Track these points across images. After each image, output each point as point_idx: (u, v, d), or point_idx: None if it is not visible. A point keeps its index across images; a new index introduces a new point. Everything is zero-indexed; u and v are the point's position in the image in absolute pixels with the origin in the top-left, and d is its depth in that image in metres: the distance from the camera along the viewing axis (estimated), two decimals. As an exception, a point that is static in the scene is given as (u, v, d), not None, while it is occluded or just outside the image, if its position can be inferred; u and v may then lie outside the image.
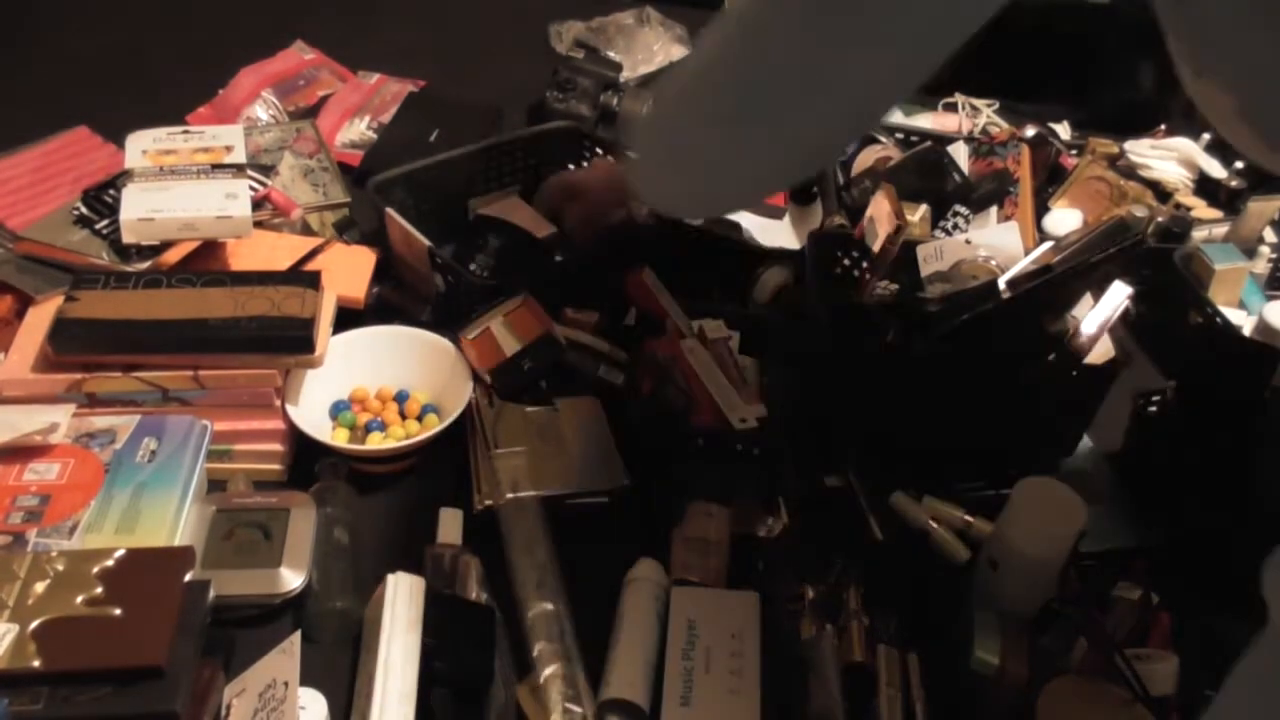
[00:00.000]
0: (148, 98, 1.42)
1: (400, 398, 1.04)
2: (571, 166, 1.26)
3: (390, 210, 1.11)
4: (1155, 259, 1.16)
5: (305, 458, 0.98)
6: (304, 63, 1.52)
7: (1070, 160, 1.35)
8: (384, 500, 0.98)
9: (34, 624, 0.73)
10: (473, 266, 1.13)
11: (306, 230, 1.18)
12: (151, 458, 0.90)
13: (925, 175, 1.20)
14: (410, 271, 1.13)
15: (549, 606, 0.86)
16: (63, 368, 0.94)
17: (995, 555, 0.89)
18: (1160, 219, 1.25)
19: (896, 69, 0.62)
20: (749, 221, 1.24)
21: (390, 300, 1.14)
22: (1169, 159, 1.34)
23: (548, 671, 0.81)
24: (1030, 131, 1.33)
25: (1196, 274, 1.14)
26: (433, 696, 0.80)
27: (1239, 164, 1.32)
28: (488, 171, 1.23)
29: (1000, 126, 1.45)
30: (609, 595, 0.89)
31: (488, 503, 0.94)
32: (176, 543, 0.85)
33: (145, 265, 1.03)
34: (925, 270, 1.08)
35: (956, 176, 1.20)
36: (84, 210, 1.07)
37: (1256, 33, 0.49)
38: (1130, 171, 1.34)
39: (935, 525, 0.97)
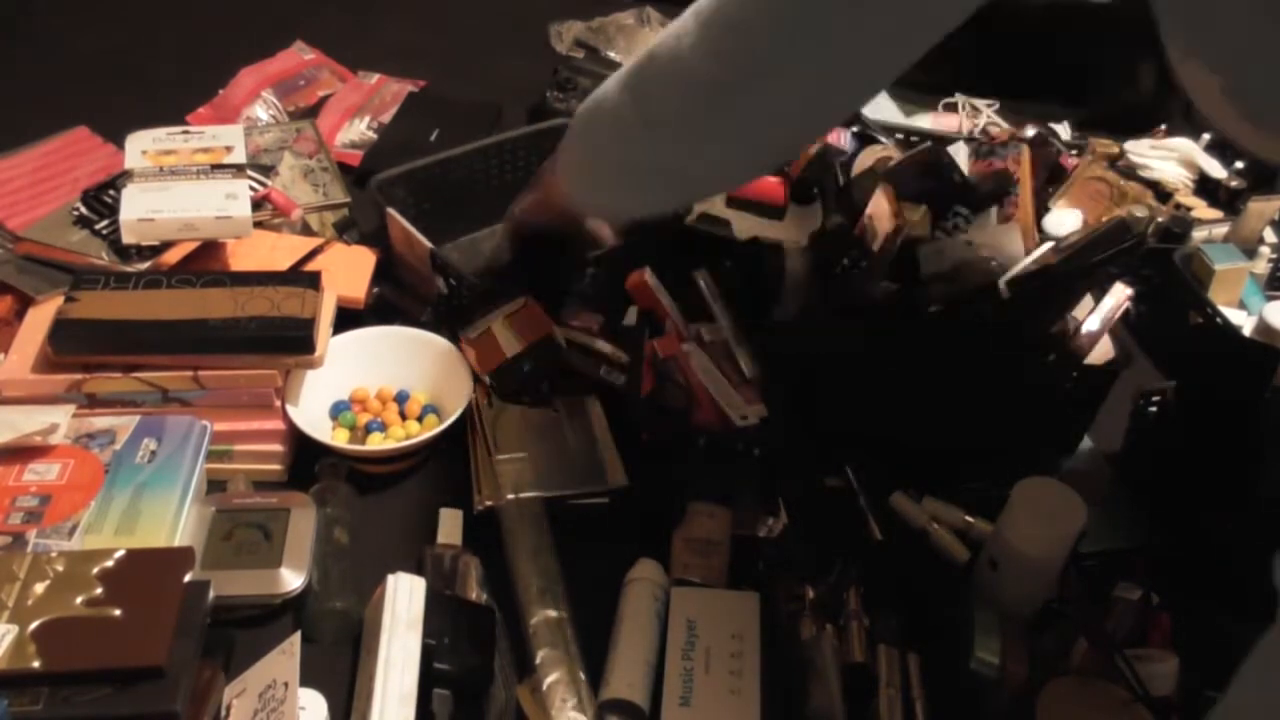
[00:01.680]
0: (148, 98, 1.42)
1: (400, 398, 1.04)
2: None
3: (391, 210, 1.11)
4: (1155, 259, 1.16)
5: (305, 458, 0.98)
6: (304, 63, 1.52)
7: (1070, 160, 1.35)
8: (384, 500, 0.98)
9: (34, 624, 0.73)
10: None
11: (306, 230, 1.18)
12: (151, 458, 0.90)
13: (925, 175, 1.19)
14: (411, 272, 1.13)
15: (552, 613, 0.86)
16: (63, 368, 0.94)
17: (995, 555, 0.90)
18: (1160, 219, 1.25)
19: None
20: (748, 223, 1.24)
21: (390, 300, 1.14)
22: (1169, 159, 1.34)
23: (550, 678, 0.81)
24: (1030, 131, 1.33)
25: (1196, 274, 1.14)
26: (433, 696, 0.80)
27: (1239, 164, 1.32)
28: (489, 170, 1.23)
29: (1000, 126, 1.44)
30: (609, 595, 0.90)
31: (488, 503, 0.94)
32: (176, 543, 0.85)
33: (145, 265, 1.03)
34: (925, 270, 1.08)
35: (956, 176, 1.20)
36: (84, 210, 1.07)
37: (1242, 13, 0.50)
38: (1130, 171, 1.34)
39: (935, 525, 0.97)
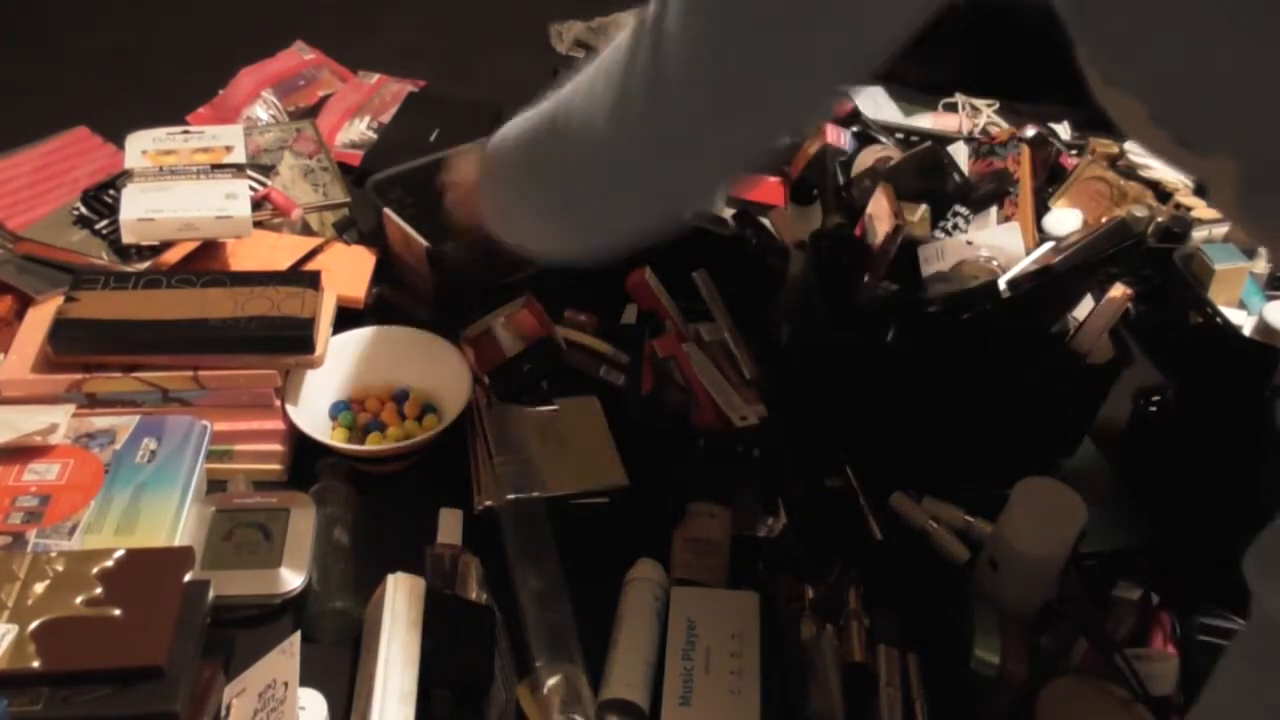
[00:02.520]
0: (148, 98, 1.42)
1: (400, 398, 1.04)
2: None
3: (388, 210, 1.11)
4: (1155, 259, 1.16)
5: (305, 458, 0.98)
6: (304, 63, 1.52)
7: (1070, 160, 1.35)
8: (384, 500, 0.98)
9: (34, 624, 0.73)
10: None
11: (306, 230, 1.18)
12: (151, 458, 0.90)
13: (925, 175, 1.20)
14: (410, 271, 1.13)
15: (552, 615, 0.86)
16: (63, 368, 0.94)
17: (995, 555, 0.90)
18: (1160, 219, 1.25)
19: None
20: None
21: (390, 300, 1.14)
22: (1169, 159, 1.34)
23: (551, 681, 0.81)
24: (1030, 131, 1.33)
25: (1196, 274, 1.14)
26: (433, 696, 0.80)
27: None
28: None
29: (1000, 126, 1.44)
30: (609, 595, 0.90)
31: (488, 503, 0.94)
32: (176, 543, 0.85)
33: (145, 265, 1.03)
34: (925, 270, 1.08)
35: (956, 176, 1.20)
36: (84, 210, 1.07)
37: (1161, 37, 0.49)
38: (1130, 171, 1.34)
39: (935, 525, 0.97)
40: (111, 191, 1.08)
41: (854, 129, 1.32)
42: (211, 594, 0.79)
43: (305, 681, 0.78)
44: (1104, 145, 1.36)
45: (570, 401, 1.05)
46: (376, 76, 1.52)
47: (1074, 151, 1.37)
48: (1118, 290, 0.99)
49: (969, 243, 1.11)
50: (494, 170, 0.81)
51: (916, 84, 1.54)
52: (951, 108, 1.51)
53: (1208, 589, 0.91)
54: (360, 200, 1.22)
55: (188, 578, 0.79)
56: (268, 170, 1.19)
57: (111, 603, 0.75)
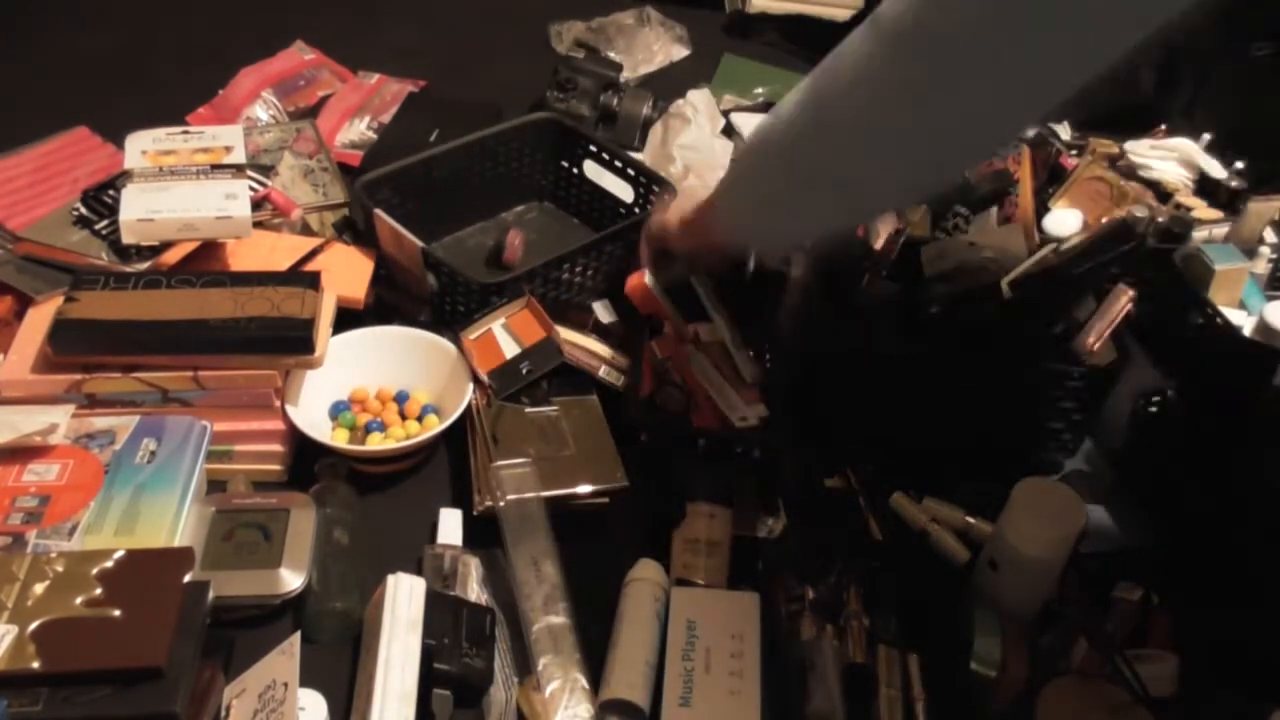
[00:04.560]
0: (148, 98, 1.42)
1: (400, 398, 1.04)
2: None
3: (379, 211, 1.10)
4: (1155, 259, 1.16)
5: (305, 458, 0.98)
6: (304, 63, 1.52)
7: (1070, 160, 1.35)
8: (384, 500, 0.98)
9: (33, 625, 0.73)
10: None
11: (306, 230, 1.18)
12: (151, 458, 0.90)
13: (925, 175, 1.19)
14: (402, 272, 1.13)
15: (553, 619, 0.86)
16: (63, 368, 0.93)
17: (995, 555, 0.90)
18: (1160, 219, 1.25)
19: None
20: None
21: (389, 300, 1.14)
22: (1169, 159, 1.34)
23: (553, 686, 0.81)
24: (1030, 131, 1.33)
25: (1196, 274, 1.14)
26: (433, 696, 0.80)
27: (1239, 164, 1.32)
28: (472, 167, 1.23)
29: (1000, 126, 1.44)
30: (609, 596, 0.90)
31: (488, 503, 0.94)
32: (176, 543, 0.85)
33: (145, 265, 1.03)
34: (926, 270, 1.08)
35: (956, 176, 1.20)
36: (84, 210, 1.07)
37: None
38: (1130, 171, 1.33)
39: (935, 525, 0.97)
40: (111, 191, 1.08)
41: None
42: (211, 594, 0.79)
43: (305, 681, 0.78)
44: (1104, 145, 1.36)
45: (570, 401, 1.05)
46: (376, 76, 1.52)
47: (1074, 151, 1.37)
48: (1119, 291, 0.99)
49: (971, 243, 1.11)
50: (751, 177, 0.90)
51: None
52: (951, 108, 1.50)
53: (1207, 589, 0.91)
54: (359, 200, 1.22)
55: (188, 578, 0.79)
56: (268, 170, 1.19)
57: (111, 603, 0.75)
